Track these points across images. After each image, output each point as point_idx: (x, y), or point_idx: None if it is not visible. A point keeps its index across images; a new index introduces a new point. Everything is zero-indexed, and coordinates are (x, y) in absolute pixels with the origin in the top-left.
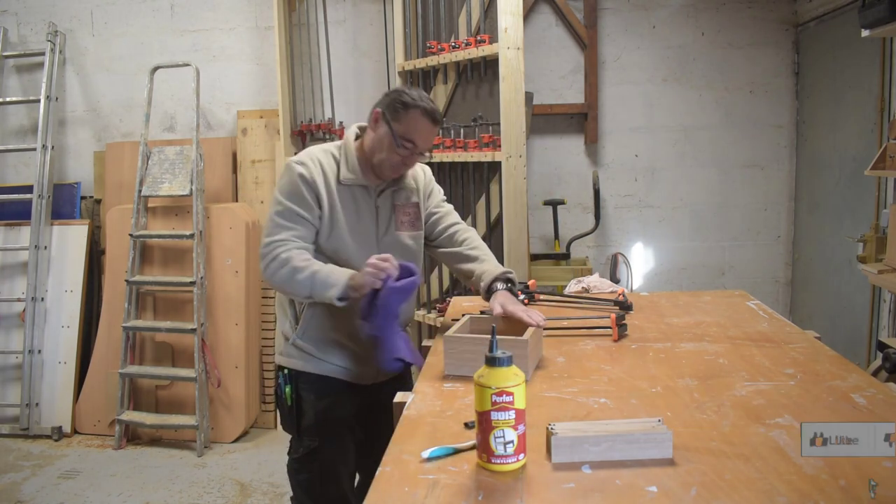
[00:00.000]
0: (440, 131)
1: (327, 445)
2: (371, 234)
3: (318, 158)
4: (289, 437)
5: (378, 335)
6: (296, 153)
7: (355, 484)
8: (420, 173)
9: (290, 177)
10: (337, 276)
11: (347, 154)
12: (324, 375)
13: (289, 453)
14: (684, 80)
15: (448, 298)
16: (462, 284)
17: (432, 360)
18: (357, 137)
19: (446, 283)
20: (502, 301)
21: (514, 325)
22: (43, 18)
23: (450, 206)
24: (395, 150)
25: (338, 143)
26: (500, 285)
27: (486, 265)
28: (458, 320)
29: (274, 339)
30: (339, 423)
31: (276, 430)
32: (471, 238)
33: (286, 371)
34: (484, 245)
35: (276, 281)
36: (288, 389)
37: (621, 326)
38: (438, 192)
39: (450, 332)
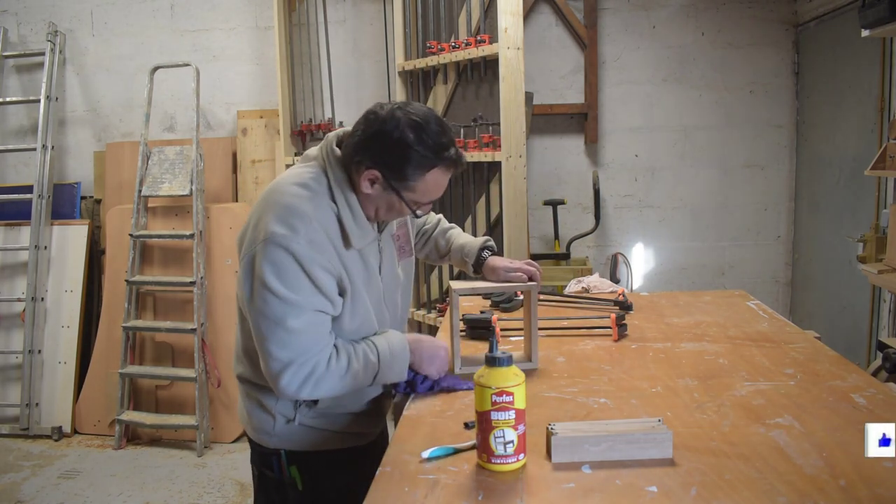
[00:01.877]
0: None
1: None
2: (378, 283)
3: (319, 221)
4: None
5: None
6: (296, 154)
7: None
8: None
9: (298, 267)
10: (401, 365)
11: (352, 208)
12: (341, 448)
13: None
14: (684, 80)
15: (448, 298)
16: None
17: None
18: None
19: (446, 283)
20: (495, 266)
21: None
22: (43, 18)
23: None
24: (408, 213)
25: (316, 176)
26: (486, 253)
27: (462, 238)
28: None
29: None
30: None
31: None
32: (433, 219)
33: (284, 452)
34: (445, 220)
35: (328, 390)
36: (295, 471)
37: (621, 326)
38: None
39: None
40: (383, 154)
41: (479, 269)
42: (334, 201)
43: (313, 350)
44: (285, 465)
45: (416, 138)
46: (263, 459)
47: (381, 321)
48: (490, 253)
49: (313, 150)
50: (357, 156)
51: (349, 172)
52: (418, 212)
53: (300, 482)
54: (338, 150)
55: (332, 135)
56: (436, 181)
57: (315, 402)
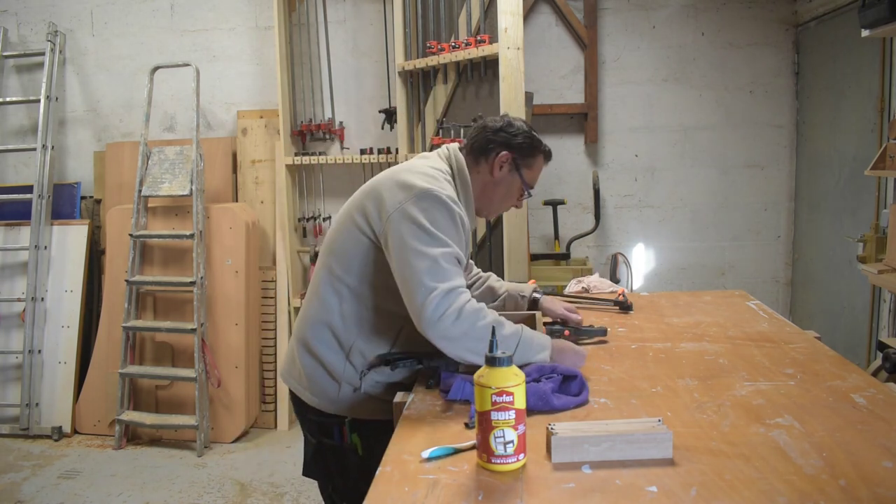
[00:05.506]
0: (440, 132)
1: None
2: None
3: (455, 199)
4: (288, 436)
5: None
6: (296, 154)
7: None
8: None
9: (449, 214)
10: (542, 338)
11: (467, 199)
12: (389, 420)
13: None
14: (684, 80)
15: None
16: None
17: None
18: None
19: None
20: (554, 304)
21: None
22: (43, 18)
23: None
24: (518, 199)
25: (445, 169)
26: (538, 294)
27: (508, 283)
28: None
29: (275, 342)
30: None
31: (276, 430)
32: (476, 269)
33: (348, 420)
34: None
35: (464, 332)
36: (356, 438)
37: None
38: None
39: None
40: (513, 138)
41: (534, 307)
42: (455, 188)
43: (458, 282)
44: (348, 432)
45: (526, 132)
46: (324, 428)
47: None
48: (540, 294)
49: (430, 152)
50: (491, 144)
51: (476, 162)
52: (530, 190)
53: (360, 448)
54: (460, 154)
55: (452, 145)
56: (540, 165)
57: (385, 364)
